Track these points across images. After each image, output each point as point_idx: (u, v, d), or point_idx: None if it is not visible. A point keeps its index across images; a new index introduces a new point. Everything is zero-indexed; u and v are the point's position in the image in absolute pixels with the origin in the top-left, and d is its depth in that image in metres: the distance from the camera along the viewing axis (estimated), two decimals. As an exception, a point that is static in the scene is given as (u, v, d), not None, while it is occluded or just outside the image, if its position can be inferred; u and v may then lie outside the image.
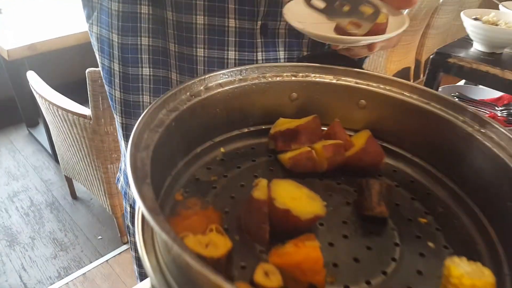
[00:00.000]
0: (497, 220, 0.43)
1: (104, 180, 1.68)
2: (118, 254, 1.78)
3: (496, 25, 1.00)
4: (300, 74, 0.53)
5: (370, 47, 0.53)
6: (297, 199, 0.40)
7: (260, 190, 0.40)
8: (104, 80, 0.72)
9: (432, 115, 0.48)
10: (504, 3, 1.13)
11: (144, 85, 0.67)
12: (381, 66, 2.78)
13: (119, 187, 0.90)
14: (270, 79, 0.52)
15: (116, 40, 0.65)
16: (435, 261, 0.41)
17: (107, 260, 1.72)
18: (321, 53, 0.67)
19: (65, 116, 1.62)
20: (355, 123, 0.54)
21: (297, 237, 0.39)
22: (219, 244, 0.33)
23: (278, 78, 0.52)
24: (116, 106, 0.71)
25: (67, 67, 2.73)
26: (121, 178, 0.88)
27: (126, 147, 0.35)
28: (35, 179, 2.24)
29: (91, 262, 1.71)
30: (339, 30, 0.54)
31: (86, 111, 1.56)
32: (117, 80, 0.68)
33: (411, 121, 0.50)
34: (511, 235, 0.40)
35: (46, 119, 1.82)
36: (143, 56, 0.65)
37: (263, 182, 0.42)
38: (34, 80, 1.71)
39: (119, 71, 0.67)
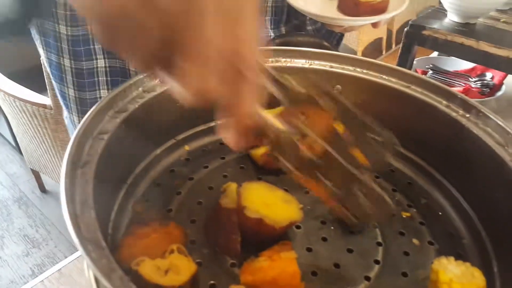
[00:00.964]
0: (485, 211, 0.40)
1: (72, 172, 1.59)
2: (94, 246, 1.72)
3: (470, -7, 0.96)
4: (270, 59, 0.47)
5: (374, 24, 0.54)
6: (270, 204, 0.36)
7: (228, 197, 0.36)
8: (52, 77, 0.64)
9: (413, 100, 0.44)
10: (476, -30, 1.09)
11: (100, 79, 0.60)
12: (353, 37, 2.74)
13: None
14: (235, 66, 0.46)
15: (65, 33, 0.57)
16: (421, 259, 0.38)
17: (82, 254, 1.66)
18: (291, 34, 0.61)
19: (23, 107, 1.50)
20: (330, 111, 0.49)
21: (272, 245, 0.35)
22: (181, 268, 0.29)
23: (244, 65, 0.46)
24: (70, 105, 0.64)
25: (21, 52, 2.54)
26: None
27: None
28: (0, 174, 2.12)
29: (66, 257, 1.65)
30: (345, 7, 0.52)
31: (46, 100, 1.45)
32: (69, 77, 0.61)
33: (390, 106, 0.46)
34: (499, 228, 0.38)
35: (4, 110, 1.70)
36: (95, 46, 0.58)
37: (231, 187, 0.37)
38: (-14, 69, 1.57)
39: (71, 67, 0.59)
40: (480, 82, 1.20)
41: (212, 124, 0.49)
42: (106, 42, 0.21)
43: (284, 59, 0.47)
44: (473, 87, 1.20)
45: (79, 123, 0.65)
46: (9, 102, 1.54)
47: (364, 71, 0.46)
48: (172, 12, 0.19)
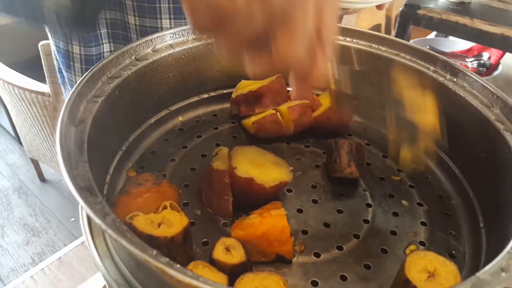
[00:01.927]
0: (471, 172, 0.41)
1: (72, 160, 1.60)
2: (95, 233, 1.73)
3: (465, -29, 0.96)
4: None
5: (380, 6, 0.55)
6: (260, 166, 0.37)
7: (220, 159, 0.37)
8: (60, 65, 0.63)
9: (402, 66, 0.45)
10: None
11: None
12: (351, 24, 2.73)
13: None
14: (227, 37, 0.47)
15: None
16: (410, 219, 0.39)
17: (82, 242, 1.67)
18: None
19: (22, 95, 1.51)
20: (322, 81, 0.50)
21: (263, 206, 0.36)
22: (173, 222, 0.30)
23: (236, 36, 0.47)
24: None
25: (22, 42, 2.54)
26: None
27: None
28: (0, 164, 2.13)
29: (65, 246, 1.66)
30: None
31: (44, 88, 1.46)
32: (77, 65, 0.60)
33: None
34: (485, 186, 0.39)
35: (3, 99, 1.70)
36: (101, 30, 0.57)
37: (223, 150, 0.38)
38: (-16, 58, 1.57)
39: (80, 54, 0.59)
40: (476, 61, 1.20)
41: (205, 95, 0.50)
42: (203, 25, 0.25)
43: (275, 29, 0.47)
44: (470, 67, 1.20)
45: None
46: (9, 90, 1.55)
47: (355, 40, 0.47)
48: (281, 5, 0.24)
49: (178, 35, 0.44)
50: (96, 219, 0.22)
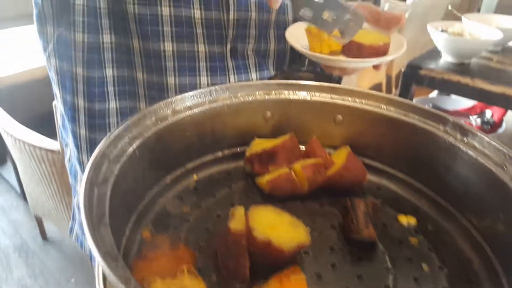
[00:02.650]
0: (490, 233, 0.40)
1: (76, 216, 1.58)
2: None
3: (462, 36, 1.02)
4: (273, 92, 0.50)
5: (377, 66, 0.56)
6: (277, 227, 0.37)
7: (237, 220, 0.37)
8: (66, 117, 0.67)
9: (411, 127, 0.46)
10: (465, 15, 1.17)
11: (111, 120, 0.63)
12: (353, 83, 2.82)
13: (73, 238, 0.82)
14: (242, 98, 0.49)
15: (81, 74, 0.60)
16: (431, 285, 0.38)
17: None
18: (293, 74, 0.64)
19: (33, 152, 1.53)
20: (333, 140, 0.51)
21: (281, 270, 0.35)
22: (191, 288, 0.29)
23: (250, 97, 0.49)
24: (81, 145, 0.66)
25: (35, 100, 2.64)
26: (75, 227, 0.81)
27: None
28: (2, 221, 2.10)
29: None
30: (348, 50, 0.53)
31: (55, 145, 1.49)
32: (82, 117, 0.63)
33: (390, 134, 0.48)
34: (507, 247, 0.38)
35: (13, 155, 1.73)
36: (108, 88, 0.61)
37: (240, 210, 0.38)
38: (-2, 116, 1.62)
39: (84, 107, 0.62)
40: (480, 119, 1.23)
41: (219, 154, 0.50)
42: None
43: (287, 91, 0.49)
44: (474, 125, 1.23)
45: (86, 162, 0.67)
46: (19, 146, 1.58)
47: (364, 101, 0.49)
48: None
49: (196, 97, 0.46)
50: (120, 286, 0.21)
